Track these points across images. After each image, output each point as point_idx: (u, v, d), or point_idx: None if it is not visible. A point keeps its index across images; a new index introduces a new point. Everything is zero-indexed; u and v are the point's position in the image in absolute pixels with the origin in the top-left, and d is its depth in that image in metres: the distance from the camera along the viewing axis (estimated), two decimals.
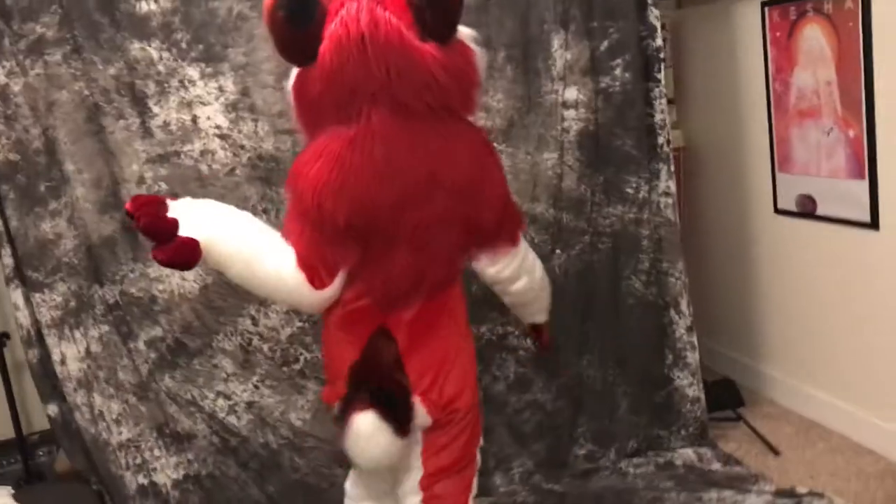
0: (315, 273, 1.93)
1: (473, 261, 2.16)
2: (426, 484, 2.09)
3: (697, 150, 3.74)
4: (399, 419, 1.94)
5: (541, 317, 2.46)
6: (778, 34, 3.11)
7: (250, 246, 1.92)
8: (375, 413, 1.91)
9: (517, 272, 2.21)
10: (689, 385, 3.12)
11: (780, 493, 2.73)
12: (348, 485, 2.32)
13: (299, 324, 2.77)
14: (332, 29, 1.80)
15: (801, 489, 2.73)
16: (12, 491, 2.61)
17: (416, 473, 2.11)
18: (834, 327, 3.12)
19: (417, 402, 2.02)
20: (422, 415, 2.03)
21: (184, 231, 1.80)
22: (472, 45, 1.95)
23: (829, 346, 3.17)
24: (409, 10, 1.81)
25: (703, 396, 3.14)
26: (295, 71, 1.95)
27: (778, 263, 3.37)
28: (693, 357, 3.11)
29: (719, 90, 3.53)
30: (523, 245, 2.26)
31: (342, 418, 1.95)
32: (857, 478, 2.83)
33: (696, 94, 3.72)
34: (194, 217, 1.86)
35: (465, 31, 1.95)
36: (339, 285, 1.98)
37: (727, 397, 3.45)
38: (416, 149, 1.87)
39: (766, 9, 3.13)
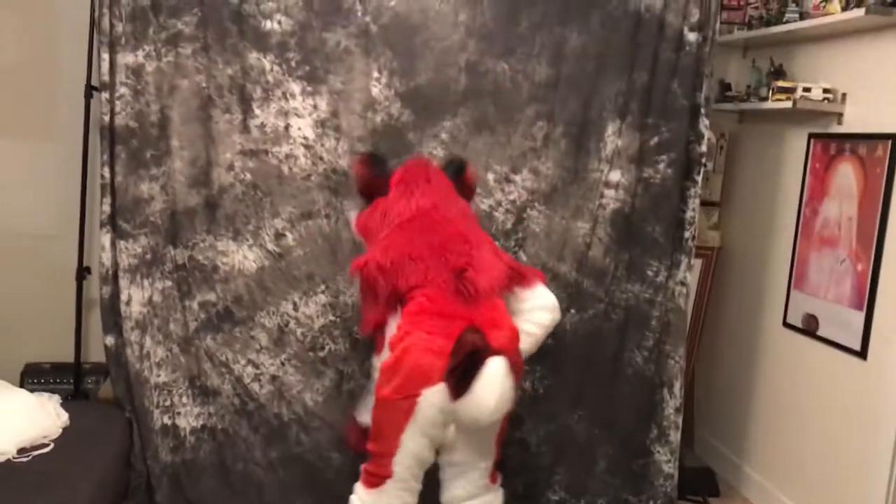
0: None
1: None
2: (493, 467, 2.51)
3: (731, 253, 4.00)
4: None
5: None
6: (817, 165, 3.39)
7: None
8: (503, 358, 2.25)
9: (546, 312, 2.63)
10: (666, 461, 3.36)
11: None
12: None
13: (332, 317, 3.14)
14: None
15: None
16: (60, 400, 3.03)
17: (489, 458, 2.52)
18: (812, 441, 3.33)
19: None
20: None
21: None
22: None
23: (804, 457, 3.37)
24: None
25: (676, 475, 3.37)
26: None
27: (778, 373, 3.60)
28: (675, 437, 3.35)
29: (759, 203, 3.81)
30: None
31: (462, 379, 2.24)
32: None
33: (738, 202, 4.00)
34: None
35: None
36: None
37: (704, 485, 3.66)
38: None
39: (812, 140, 3.42)
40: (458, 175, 2.83)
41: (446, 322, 2.39)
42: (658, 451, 3.37)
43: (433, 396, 2.32)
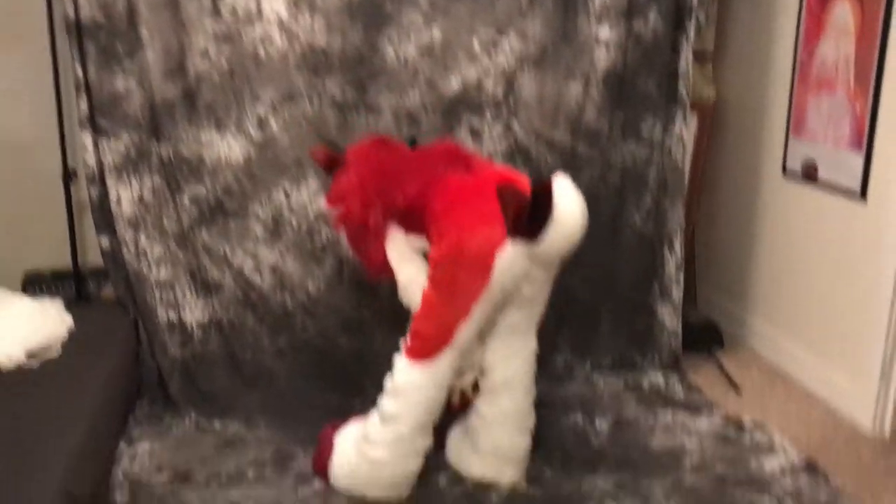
0: None
1: None
2: None
3: (727, 106, 3.92)
4: None
5: None
6: (813, 4, 3.26)
7: None
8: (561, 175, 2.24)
9: None
10: (669, 317, 3.40)
11: (727, 421, 3.02)
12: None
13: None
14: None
15: (747, 421, 3.02)
16: (63, 304, 3.04)
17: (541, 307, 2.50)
18: (814, 287, 3.35)
19: None
20: None
21: None
22: None
23: (807, 303, 3.40)
24: None
25: (680, 331, 3.42)
26: None
27: (779, 222, 3.58)
28: (677, 293, 3.38)
29: (754, 51, 3.70)
30: None
31: (535, 219, 2.20)
32: (802, 420, 3.10)
33: (733, 52, 3.89)
34: None
35: None
36: None
37: (709, 338, 3.72)
38: None
39: None
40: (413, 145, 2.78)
41: (474, 190, 2.35)
42: (661, 308, 3.40)
43: (507, 257, 2.25)
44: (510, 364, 2.47)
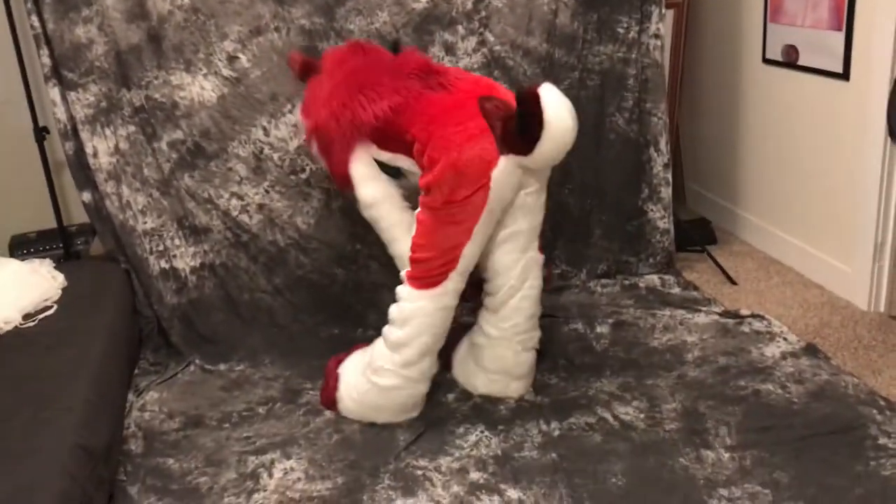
0: None
1: None
2: None
3: (701, 0, 3.85)
4: None
5: None
6: None
7: None
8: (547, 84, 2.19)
9: None
10: (660, 218, 3.40)
11: (725, 314, 3.05)
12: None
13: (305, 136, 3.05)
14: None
15: (745, 312, 3.05)
16: (53, 264, 3.02)
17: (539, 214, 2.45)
18: (803, 173, 3.35)
19: None
20: None
21: None
22: None
23: (796, 190, 3.41)
24: None
25: (672, 229, 3.42)
26: None
27: (762, 112, 3.56)
28: (667, 192, 3.37)
29: None
30: None
31: (525, 131, 2.16)
32: (799, 306, 3.14)
33: None
34: None
35: None
36: None
37: (700, 234, 3.73)
38: None
39: None
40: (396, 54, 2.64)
41: (455, 107, 2.30)
42: (651, 210, 3.40)
43: (502, 171, 2.23)
44: (511, 274, 2.44)
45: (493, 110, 2.24)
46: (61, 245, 3.39)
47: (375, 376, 2.42)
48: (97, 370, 2.39)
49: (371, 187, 2.47)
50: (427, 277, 2.33)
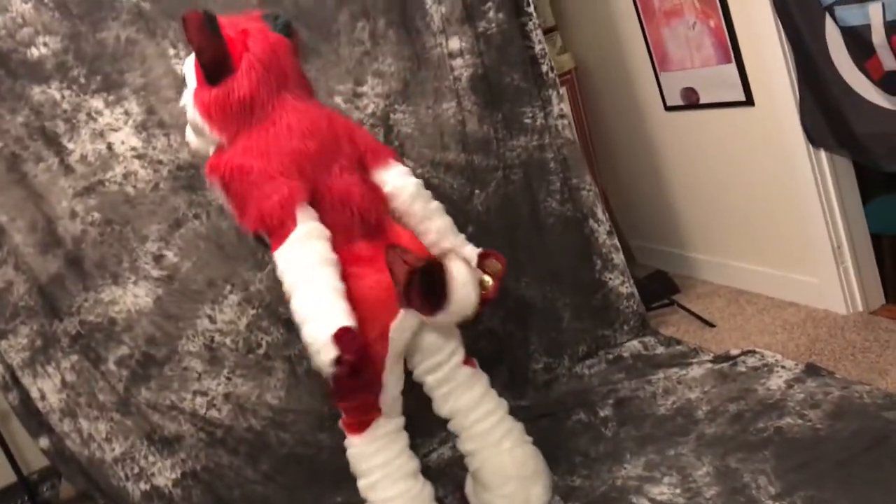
0: None
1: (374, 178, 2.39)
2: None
3: (588, 69, 3.96)
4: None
5: (452, 238, 2.52)
6: None
7: None
8: (458, 261, 2.17)
9: (405, 177, 2.42)
10: (621, 284, 3.38)
11: (717, 360, 3.01)
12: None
13: (253, 311, 2.95)
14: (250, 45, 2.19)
15: (735, 351, 3.01)
16: None
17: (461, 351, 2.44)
18: (740, 201, 3.40)
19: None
20: None
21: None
22: None
23: (738, 219, 3.45)
24: None
25: (636, 291, 3.41)
26: (192, 92, 2.23)
27: (679, 156, 3.63)
28: (619, 258, 3.37)
29: (594, 9, 3.75)
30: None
31: (430, 295, 2.13)
32: (782, 329, 3.13)
33: (576, 19, 3.93)
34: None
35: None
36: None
37: (662, 287, 3.73)
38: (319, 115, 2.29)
39: None
40: (289, 36, 2.41)
41: (367, 257, 2.26)
42: (609, 279, 3.38)
43: (401, 326, 2.23)
44: (441, 371, 2.41)
45: (403, 266, 2.19)
46: (27, 498, 3.17)
47: None
48: None
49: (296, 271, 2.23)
50: (358, 427, 2.35)
